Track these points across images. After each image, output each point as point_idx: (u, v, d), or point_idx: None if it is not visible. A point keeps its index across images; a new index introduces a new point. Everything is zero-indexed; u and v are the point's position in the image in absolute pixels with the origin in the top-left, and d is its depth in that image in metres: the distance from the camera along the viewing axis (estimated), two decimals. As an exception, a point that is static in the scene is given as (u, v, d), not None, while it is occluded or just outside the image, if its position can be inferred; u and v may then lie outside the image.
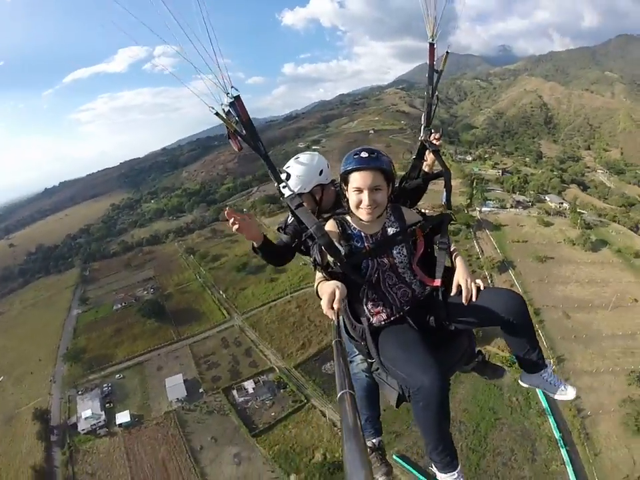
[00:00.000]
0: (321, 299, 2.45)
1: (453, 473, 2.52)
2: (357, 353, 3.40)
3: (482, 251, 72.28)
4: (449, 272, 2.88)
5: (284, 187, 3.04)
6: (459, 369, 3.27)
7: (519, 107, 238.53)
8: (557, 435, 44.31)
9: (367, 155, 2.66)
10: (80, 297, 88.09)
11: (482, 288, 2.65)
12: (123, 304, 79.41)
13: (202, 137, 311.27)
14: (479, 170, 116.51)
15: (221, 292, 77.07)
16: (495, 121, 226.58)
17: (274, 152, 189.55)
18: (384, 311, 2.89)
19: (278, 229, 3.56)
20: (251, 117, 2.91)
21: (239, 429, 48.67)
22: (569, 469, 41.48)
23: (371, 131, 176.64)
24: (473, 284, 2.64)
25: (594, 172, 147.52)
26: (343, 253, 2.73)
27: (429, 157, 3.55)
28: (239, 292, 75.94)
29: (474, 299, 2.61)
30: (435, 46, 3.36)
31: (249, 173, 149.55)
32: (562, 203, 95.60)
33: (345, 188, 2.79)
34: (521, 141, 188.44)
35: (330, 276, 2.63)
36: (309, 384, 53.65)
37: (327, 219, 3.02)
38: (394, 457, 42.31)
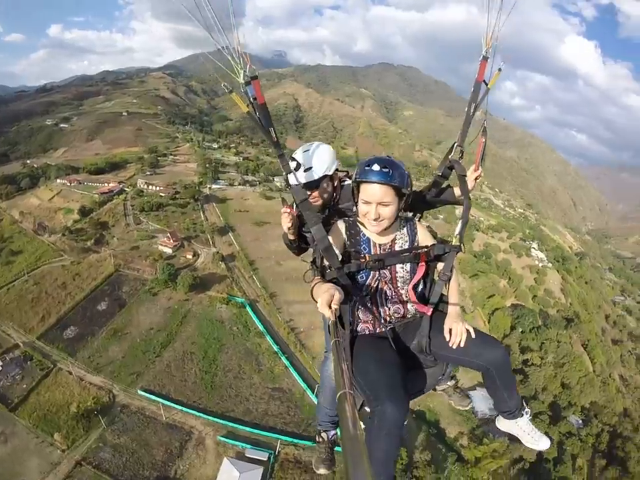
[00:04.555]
0: (315, 300, 2.50)
1: None
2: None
3: (207, 219, 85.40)
4: (439, 300, 3.04)
5: (292, 177, 3.05)
6: (427, 391, 3.30)
7: (274, 106, 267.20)
8: (275, 348, 59.14)
9: (379, 168, 2.70)
10: None
11: (472, 334, 2.77)
12: None
13: None
14: (222, 156, 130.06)
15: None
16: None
17: (17, 128, 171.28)
18: (371, 321, 2.99)
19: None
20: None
21: (-4, 410, 49.17)
22: (292, 370, 56.60)
23: (124, 113, 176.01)
24: (463, 329, 2.77)
25: None
26: (340, 259, 2.84)
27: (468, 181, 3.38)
28: (-25, 285, 72.83)
29: (462, 345, 2.74)
30: (488, 61, 3.28)
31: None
32: None
33: (356, 195, 2.89)
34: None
35: (325, 279, 2.73)
36: (53, 350, 57.35)
37: (335, 217, 3.26)
38: (139, 392, 50.48)
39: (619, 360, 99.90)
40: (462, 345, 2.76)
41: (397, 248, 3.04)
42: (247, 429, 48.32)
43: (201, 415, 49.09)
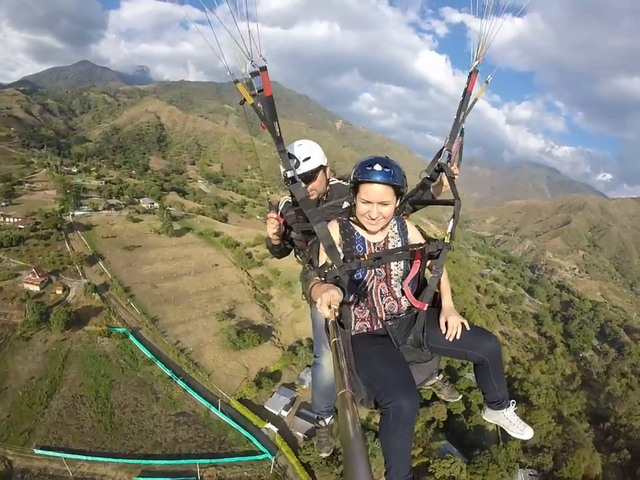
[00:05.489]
0: (310, 299, 2.65)
1: None
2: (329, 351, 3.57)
3: (73, 249, 79.53)
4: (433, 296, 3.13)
5: (291, 173, 3.04)
6: (422, 385, 3.41)
7: (135, 125, 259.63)
8: (168, 372, 56.73)
9: (380, 168, 2.70)
10: None
11: (467, 327, 2.91)
12: None
13: None
14: (83, 181, 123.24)
15: None
16: (110, 136, 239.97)
17: None
18: (368, 319, 3.02)
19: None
20: None
21: None
22: (190, 391, 54.92)
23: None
24: (458, 322, 2.90)
25: (195, 182, 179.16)
26: (342, 257, 2.88)
27: (444, 181, 3.62)
28: None
29: (457, 337, 2.87)
30: (477, 75, 3.42)
31: None
32: (153, 204, 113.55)
33: (354, 194, 2.87)
34: (132, 156, 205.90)
35: (325, 278, 2.80)
36: None
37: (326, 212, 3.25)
38: (36, 451, 44.61)
39: (496, 319, 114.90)
40: (457, 337, 2.88)
41: (390, 246, 3.06)
42: (162, 462, 45.89)
43: (109, 459, 45.36)
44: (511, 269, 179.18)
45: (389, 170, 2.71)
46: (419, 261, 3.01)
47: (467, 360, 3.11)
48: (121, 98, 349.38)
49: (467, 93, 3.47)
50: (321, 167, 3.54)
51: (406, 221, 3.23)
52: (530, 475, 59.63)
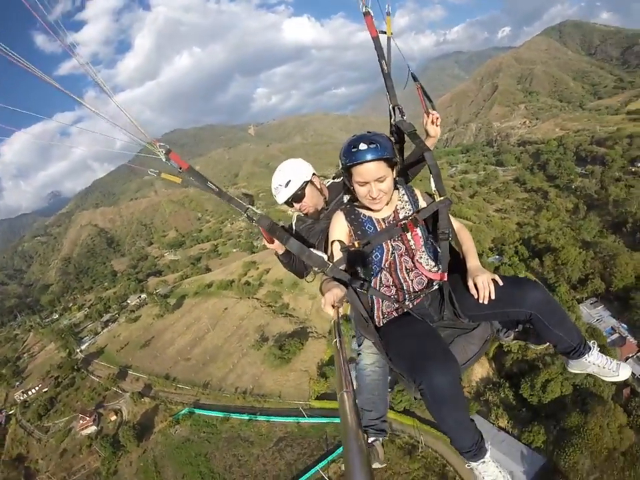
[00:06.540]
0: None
1: (482, 459, 2.51)
2: (370, 345, 3.31)
3: (99, 377, 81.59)
4: (457, 257, 2.94)
5: (251, 211, 3.00)
6: (483, 352, 3.11)
7: (81, 245, 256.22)
8: (245, 417, 59.65)
9: (365, 146, 2.56)
10: None
11: (500, 282, 2.59)
12: None
13: None
14: (70, 320, 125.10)
15: None
16: (66, 268, 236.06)
17: None
18: (395, 296, 2.86)
19: None
20: None
21: None
22: (273, 419, 57.68)
23: None
24: (488, 279, 2.60)
25: (162, 257, 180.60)
26: (326, 258, 2.83)
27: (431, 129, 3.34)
28: None
29: (492, 297, 2.57)
30: (371, 14, 3.15)
31: None
32: (140, 297, 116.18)
33: (349, 180, 2.76)
34: (95, 272, 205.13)
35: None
36: None
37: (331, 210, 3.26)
38: None
39: (484, 203, 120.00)
40: (492, 296, 2.59)
41: (401, 216, 2.89)
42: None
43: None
44: (473, 155, 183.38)
45: (374, 145, 2.58)
46: (417, 231, 2.84)
47: (515, 319, 2.88)
48: (53, 231, 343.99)
49: (374, 39, 3.26)
50: (305, 183, 3.50)
51: (414, 188, 3.08)
52: (590, 304, 61.86)
